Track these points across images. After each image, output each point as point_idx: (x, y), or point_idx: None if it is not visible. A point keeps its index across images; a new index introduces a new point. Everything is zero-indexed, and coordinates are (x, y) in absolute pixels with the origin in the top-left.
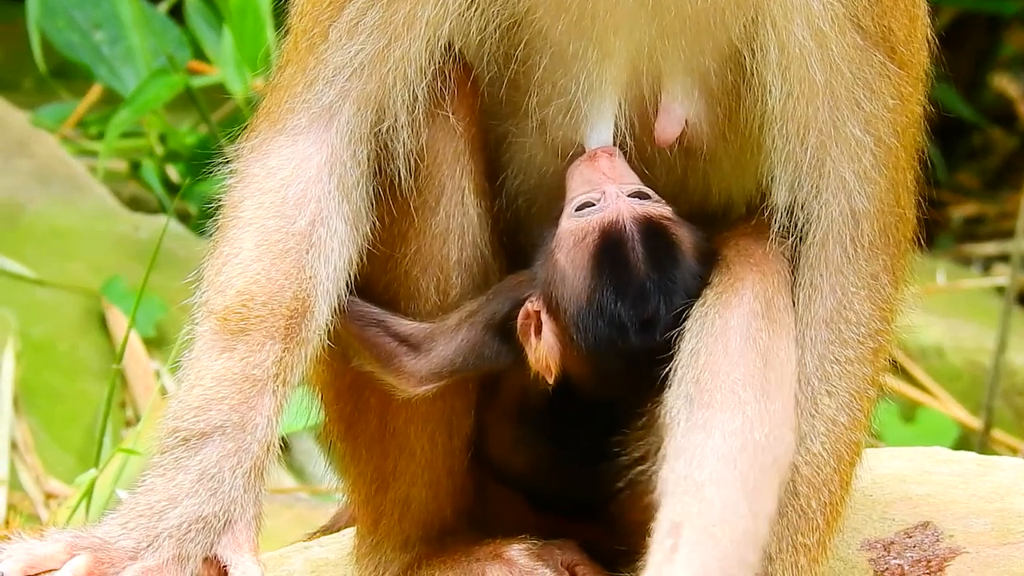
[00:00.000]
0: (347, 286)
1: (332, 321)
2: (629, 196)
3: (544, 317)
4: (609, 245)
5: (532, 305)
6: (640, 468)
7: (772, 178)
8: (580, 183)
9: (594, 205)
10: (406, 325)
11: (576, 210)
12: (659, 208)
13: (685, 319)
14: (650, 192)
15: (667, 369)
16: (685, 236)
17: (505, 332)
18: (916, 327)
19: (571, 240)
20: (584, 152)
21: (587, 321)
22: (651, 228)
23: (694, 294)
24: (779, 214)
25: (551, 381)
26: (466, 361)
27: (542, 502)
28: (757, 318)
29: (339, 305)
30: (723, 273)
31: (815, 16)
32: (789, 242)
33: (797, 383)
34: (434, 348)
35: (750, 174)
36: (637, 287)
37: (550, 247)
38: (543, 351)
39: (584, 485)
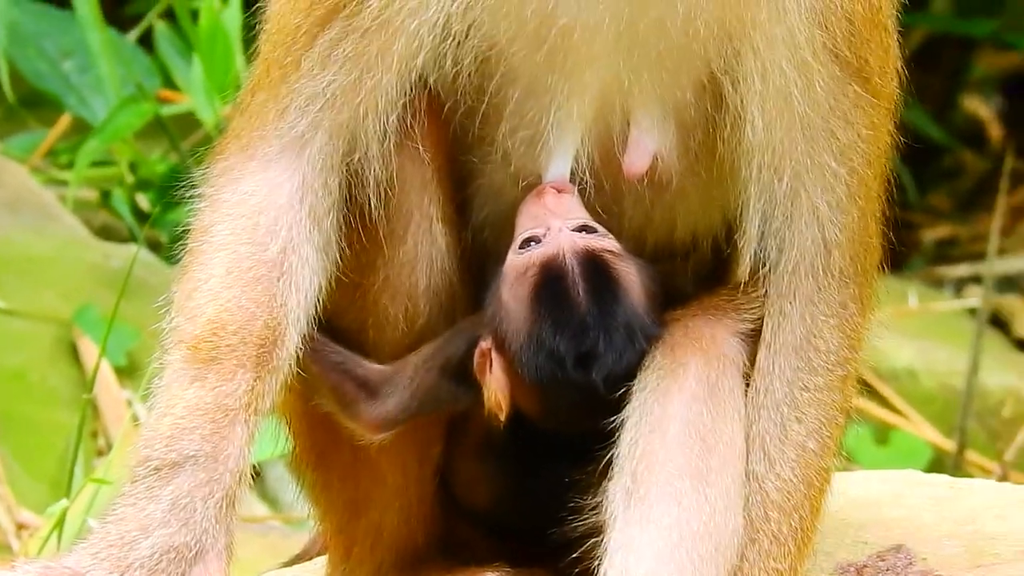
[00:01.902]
0: (316, 315)
1: (301, 351)
2: (574, 230)
3: (493, 354)
4: (549, 279)
5: (484, 343)
6: (592, 539)
7: (745, 207)
8: (526, 219)
9: (537, 241)
10: (366, 368)
11: (520, 246)
12: (603, 241)
13: (630, 363)
14: (597, 226)
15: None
16: (629, 271)
17: (461, 374)
18: (888, 349)
19: (513, 275)
20: (543, 185)
21: (528, 355)
22: (592, 262)
23: (637, 334)
24: (750, 243)
25: (503, 417)
26: (422, 406)
27: (505, 536)
28: (698, 402)
29: (309, 334)
30: (666, 356)
31: (799, 47)
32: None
33: (767, 410)
34: (391, 395)
35: (717, 207)
36: (575, 321)
37: (497, 284)
38: (493, 387)
39: (545, 522)
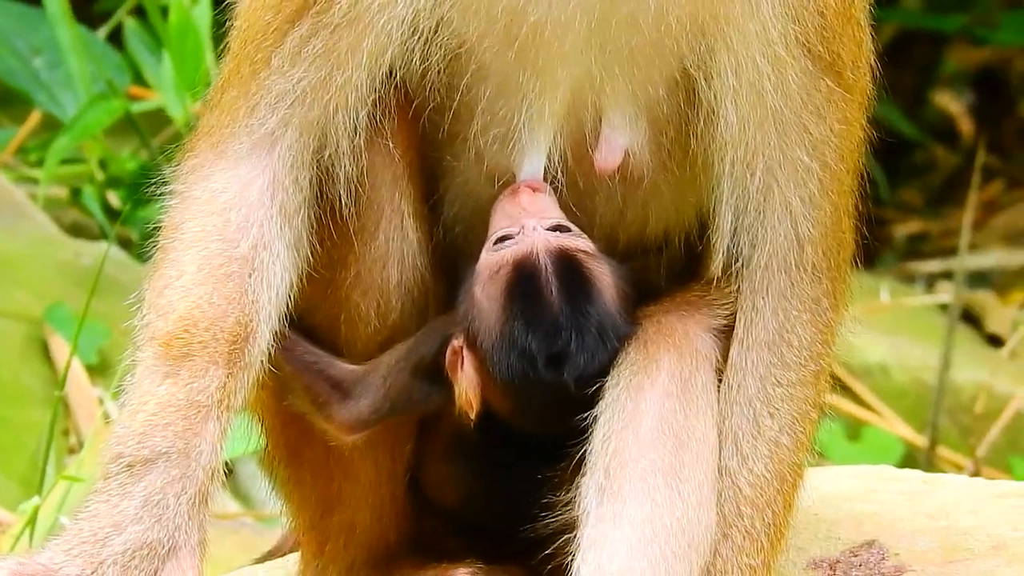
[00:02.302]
0: (288, 312)
1: (274, 349)
2: (548, 229)
3: (465, 352)
4: (521, 278)
5: (456, 341)
6: (565, 535)
7: (718, 203)
8: (500, 217)
9: (511, 239)
10: (338, 368)
11: (493, 244)
12: (577, 241)
13: (603, 363)
14: (571, 226)
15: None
16: (602, 272)
17: (433, 374)
18: (860, 345)
19: (486, 274)
20: (516, 182)
21: (500, 354)
22: (565, 261)
23: (609, 334)
24: (723, 238)
25: (473, 415)
26: (395, 407)
27: (476, 535)
28: (671, 398)
29: (281, 332)
30: (639, 352)
31: (772, 42)
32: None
33: (740, 406)
34: (363, 396)
35: (689, 203)
36: (547, 320)
37: (470, 282)
38: (464, 385)
39: (517, 520)
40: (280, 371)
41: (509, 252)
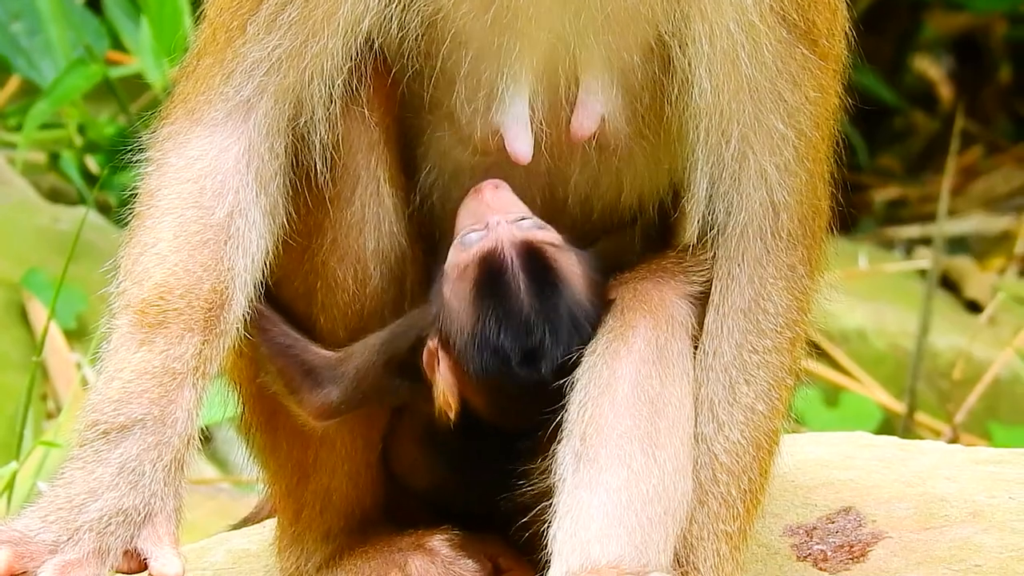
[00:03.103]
0: (264, 279)
1: (250, 326)
2: (513, 223)
3: (440, 353)
4: (489, 276)
5: (431, 343)
6: (542, 502)
7: (693, 170)
8: (465, 216)
9: (476, 236)
10: (312, 354)
11: (459, 242)
12: (542, 233)
13: (578, 352)
14: (536, 219)
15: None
16: (570, 262)
17: (405, 368)
18: (839, 311)
19: (454, 274)
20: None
21: (473, 353)
22: (531, 255)
23: (583, 324)
24: (698, 205)
25: (452, 415)
26: (365, 399)
27: (448, 511)
28: (647, 365)
29: (258, 307)
30: (615, 318)
31: (747, 10)
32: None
33: (716, 372)
34: (335, 385)
35: (664, 171)
36: (518, 316)
37: (439, 283)
38: (441, 386)
39: (489, 501)
40: (255, 352)
41: (475, 250)
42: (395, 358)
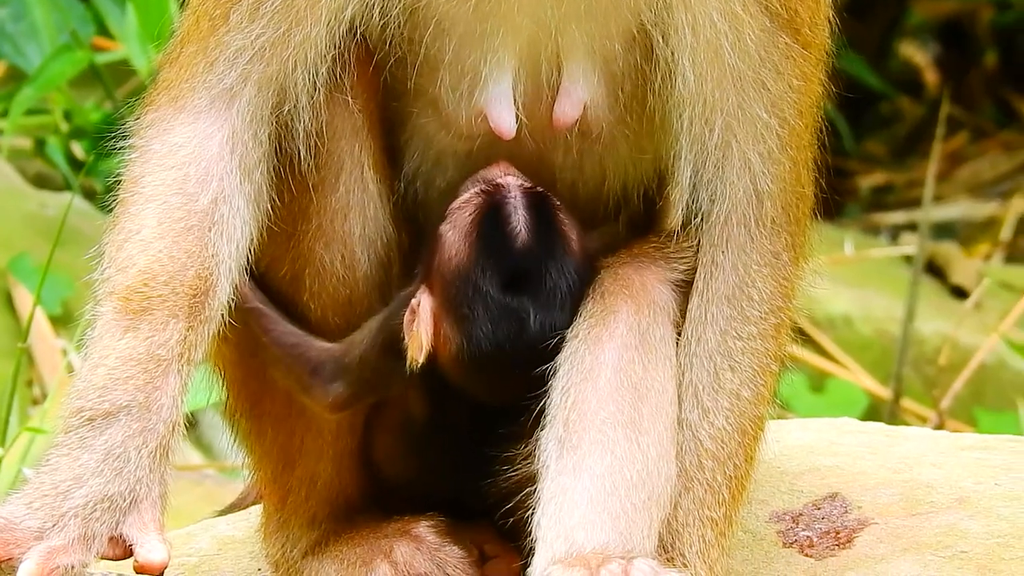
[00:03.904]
0: (250, 266)
1: (235, 299)
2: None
3: (424, 297)
4: (492, 205)
5: (414, 300)
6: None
7: (677, 158)
8: (469, 184)
9: (476, 184)
10: (317, 351)
11: (465, 187)
12: (547, 194)
13: (567, 302)
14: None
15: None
16: (570, 222)
17: (399, 349)
18: (824, 297)
19: (456, 207)
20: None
21: (461, 277)
22: (536, 197)
23: (572, 274)
24: (682, 194)
25: (421, 359)
26: (372, 386)
27: (430, 500)
28: (629, 350)
29: (259, 310)
30: (597, 303)
31: (730, 0)
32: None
33: (700, 359)
34: (341, 379)
35: (647, 159)
36: (513, 244)
37: (435, 230)
38: (419, 329)
39: (470, 491)
40: (263, 351)
41: (480, 188)
42: (392, 337)
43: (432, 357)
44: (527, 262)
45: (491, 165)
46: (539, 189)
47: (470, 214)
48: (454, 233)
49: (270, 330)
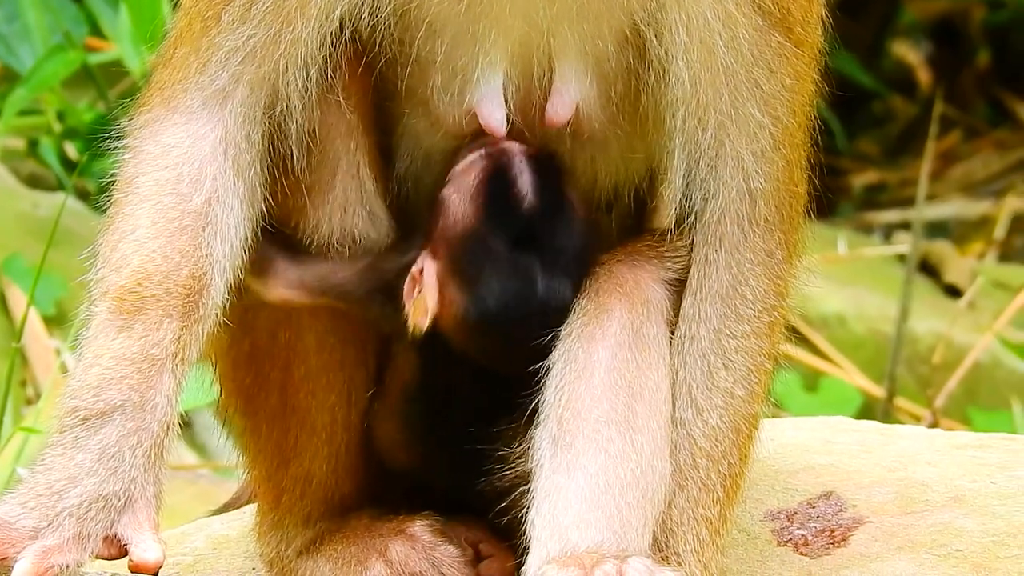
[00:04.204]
0: (243, 265)
1: (229, 299)
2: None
3: (427, 262)
4: (497, 167)
5: (415, 268)
6: (520, 487)
7: (670, 158)
8: (467, 149)
9: (478, 148)
10: (295, 234)
11: (467, 149)
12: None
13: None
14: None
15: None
16: (575, 186)
17: (391, 295)
18: (818, 296)
19: (459, 171)
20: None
21: (467, 237)
22: (543, 161)
23: (576, 237)
24: (675, 192)
25: (424, 326)
26: (325, 291)
27: (430, 492)
28: (623, 348)
29: (235, 283)
30: (590, 301)
31: None
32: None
33: (694, 357)
34: (314, 263)
35: (639, 159)
36: (519, 204)
37: (440, 192)
38: (424, 291)
39: (470, 479)
40: None
41: (484, 149)
42: (383, 278)
43: (435, 323)
44: (534, 221)
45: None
46: (545, 151)
47: (475, 176)
48: (459, 196)
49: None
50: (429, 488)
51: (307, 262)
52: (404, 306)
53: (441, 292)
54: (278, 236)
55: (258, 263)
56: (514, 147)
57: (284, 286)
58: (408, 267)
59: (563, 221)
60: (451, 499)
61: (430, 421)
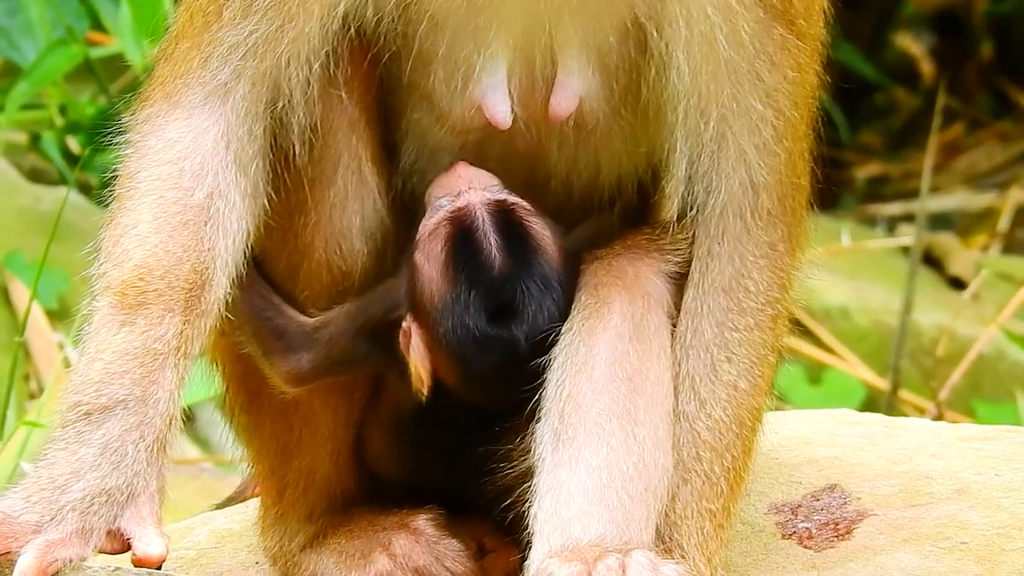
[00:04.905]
0: (246, 259)
1: (231, 293)
2: (484, 190)
3: (412, 326)
4: (460, 232)
5: (405, 323)
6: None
7: (672, 151)
8: (437, 189)
9: (447, 200)
10: (287, 319)
11: (431, 209)
12: (515, 199)
13: (551, 326)
14: (508, 195)
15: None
16: (542, 227)
17: (376, 337)
18: (821, 288)
19: (425, 235)
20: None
21: (446, 316)
22: (504, 214)
23: (555, 286)
24: (678, 186)
25: (425, 390)
26: (336, 366)
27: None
28: (624, 342)
29: (238, 278)
30: (590, 295)
31: None
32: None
33: (696, 350)
34: (307, 352)
35: (642, 151)
36: (490, 271)
37: (409, 251)
38: (414, 361)
39: (467, 484)
40: (233, 311)
41: (446, 211)
42: (368, 324)
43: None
44: (508, 289)
45: (451, 168)
46: (504, 199)
47: (441, 247)
48: (429, 267)
49: (244, 290)
50: (421, 492)
51: (300, 349)
52: (387, 347)
53: (430, 354)
54: (272, 320)
55: (263, 353)
56: (475, 206)
57: (286, 383)
58: (397, 319)
59: (538, 278)
60: (451, 498)
61: (422, 433)
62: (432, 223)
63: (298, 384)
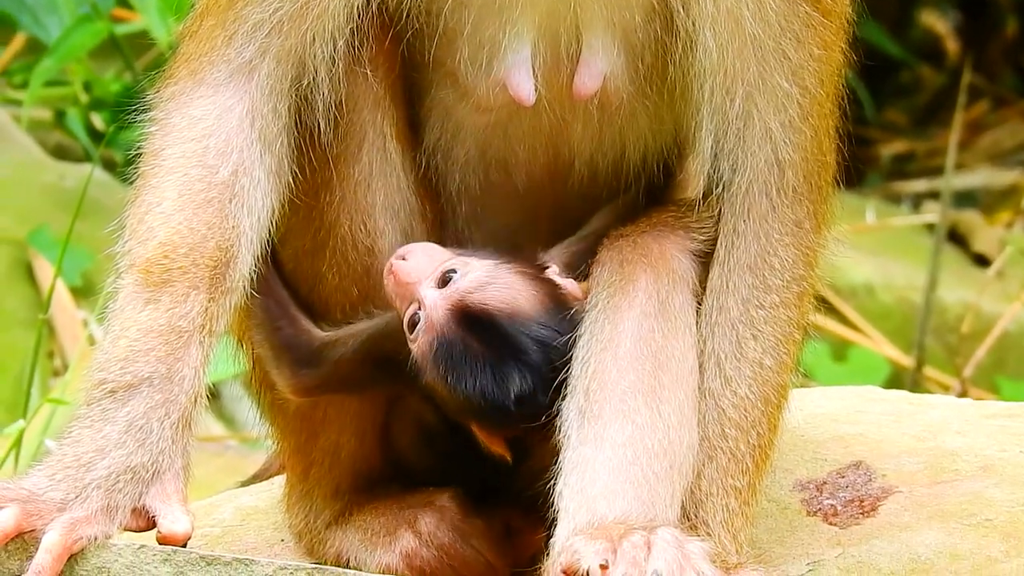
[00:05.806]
0: (272, 238)
1: (256, 270)
2: (439, 287)
3: None
4: (443, 356)
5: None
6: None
7: (698, 129)
8: (395, 300)
9: (416, 323)
10: (300, 331)
11: (408, 332)
12: (472, 281)
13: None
14: (456, 266)
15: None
16: (514, 291)
17: (385, 366)
18: (846, 266)
19: (421, 361)
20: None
21: (455, 408)
22: (471, 317)
23: (551, 344)
24: (703, 163)
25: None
26: (341, 386)
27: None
28: (649, 319)
29: (263, 254)
30: (616, 272)
31: None
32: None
33: (722, 328)
34: (314, 369)
35: (667, 130)
36: (490, 374)
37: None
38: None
39: (489, 483)
40: (248, 314)
41: (423, 342)
42: (378, 354)
43: None
44: (496, 389)
45: (390, 269)
46: (461, 300)
47: (423, 359)
48: (436, 385)
49: (262, 294)
50: (447, 482)
51: (309, 362)
52: (396, 373)
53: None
54: (283, 330)
55: (272, 359)
56: (437, 314)
57: (292, 392)
58: (408, 354)
59: (523, 365)
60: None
61: (450, 445)
62: (418, 353)
63: (303, 396)
